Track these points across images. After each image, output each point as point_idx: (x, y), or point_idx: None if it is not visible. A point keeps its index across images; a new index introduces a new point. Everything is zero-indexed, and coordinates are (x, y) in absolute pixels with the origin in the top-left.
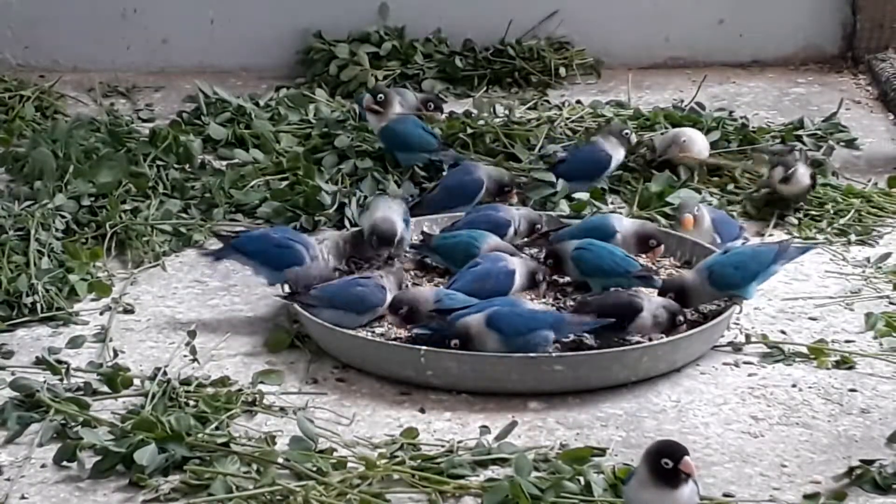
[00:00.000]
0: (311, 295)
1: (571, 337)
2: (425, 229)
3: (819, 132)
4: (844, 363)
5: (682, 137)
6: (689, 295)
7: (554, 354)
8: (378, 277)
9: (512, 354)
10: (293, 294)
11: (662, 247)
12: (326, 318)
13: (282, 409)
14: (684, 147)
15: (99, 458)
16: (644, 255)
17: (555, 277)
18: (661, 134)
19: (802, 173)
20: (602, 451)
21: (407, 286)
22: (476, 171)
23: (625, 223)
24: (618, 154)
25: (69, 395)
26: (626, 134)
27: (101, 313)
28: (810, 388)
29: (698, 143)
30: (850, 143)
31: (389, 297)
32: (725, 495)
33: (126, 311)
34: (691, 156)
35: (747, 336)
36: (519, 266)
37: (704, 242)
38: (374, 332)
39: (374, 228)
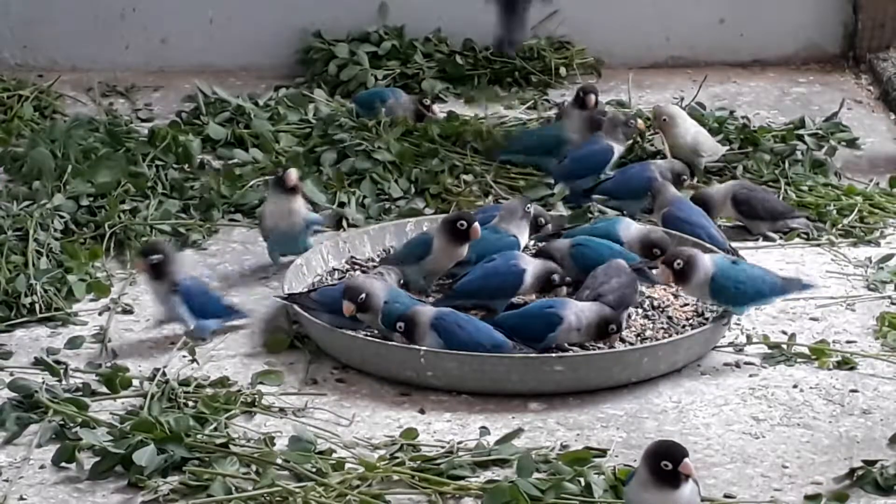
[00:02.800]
0: (312, 299)
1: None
2: (426, 228)
3: (820, 132)
4: (846, 364)
5: (664, 115)
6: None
7: (554, 355)
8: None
9: (512, 355)
10: (293, 295)
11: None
12: (326, 322)
13: (281, 409)
14: (664, 125)
15: (98, 458)
16: None
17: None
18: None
19: None
20: (603, 452)
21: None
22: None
23: (631, 230)
24: (620, 145)
25: (68, 395)
26: (631, 124)
27: (100, 314)
28: (811, 388)
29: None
30: (852, 143)
31: None
32: (726, 496)
33: (125, 312)
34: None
35: (748, 336)
36: (532, 266)
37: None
38: (373, 332)
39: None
